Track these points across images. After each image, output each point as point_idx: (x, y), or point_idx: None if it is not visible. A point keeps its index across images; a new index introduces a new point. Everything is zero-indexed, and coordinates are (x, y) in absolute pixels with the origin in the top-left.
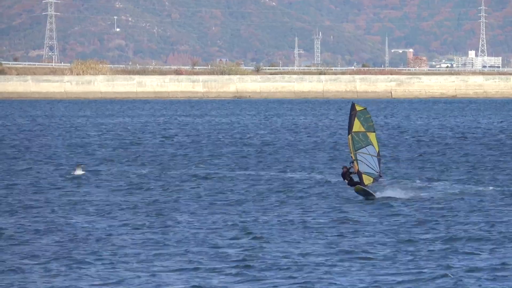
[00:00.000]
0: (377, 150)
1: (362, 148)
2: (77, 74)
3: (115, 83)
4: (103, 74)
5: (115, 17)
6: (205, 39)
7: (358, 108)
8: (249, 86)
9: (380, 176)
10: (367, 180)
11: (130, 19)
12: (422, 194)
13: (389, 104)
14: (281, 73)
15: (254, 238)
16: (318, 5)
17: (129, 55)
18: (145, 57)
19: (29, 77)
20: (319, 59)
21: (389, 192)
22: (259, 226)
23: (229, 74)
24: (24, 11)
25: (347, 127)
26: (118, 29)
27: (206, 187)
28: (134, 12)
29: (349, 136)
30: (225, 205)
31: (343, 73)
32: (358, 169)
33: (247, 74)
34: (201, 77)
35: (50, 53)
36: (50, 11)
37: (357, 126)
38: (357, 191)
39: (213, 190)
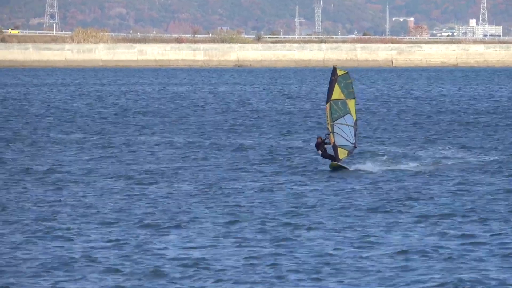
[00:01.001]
0: (355, 119)
1: (340, 118)
2: (78, 43)
3: (116, 52)
4: (104, 42)
5: None
6: (206, 7)
7: (339, 72)
8: (250, 54)
9: (355, 147)
10: (342, 154)
11: None
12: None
13: (393, 72)
14: (282, 42)
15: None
16: None
17: (130, 24)
18: (146, 25)
19: (30, 45)
20: (320, 27)
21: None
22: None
23: (230, 43)
24: None
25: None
26: None
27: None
28: None
29: (327, 105)
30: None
31: (344, 41)
32: (334, 142)
33: (248, 43)
34: (202, 46)
35: (51, 21)
36: None
37: (337, 93)
38: (332, 168)
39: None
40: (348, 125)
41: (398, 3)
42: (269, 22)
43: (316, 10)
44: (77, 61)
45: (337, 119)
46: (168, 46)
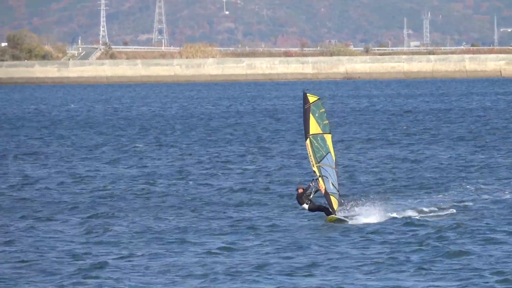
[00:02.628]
0: (335, 159)
1: (323, 158)
2: (186, 58)
3: (224, 66)
4: (213, 57)
5: None
6: (313, 21)
7: (311, 98)
8: (358, 67)
9: (340, 196)
10: (335, 203)
11: (238, 1)
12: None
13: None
14: (390, 54)
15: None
16: None
17: (238, 38)
18: (254, 39)
19: (138, 61)
20: (428, 39)
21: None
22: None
23: (338, 55)
24: None
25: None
26: (227, 12)
27: None
28: None
29: (307, 142)
30: None
31: (452, 52)
32: (325, 189)
33: (356, 55)
34: (310, 59)
35: (159, 37)
36: None
37: (313, 125)
38: (330, 222)
39: None
40: (332, 167)
41: (506, 14)
42: (377, 35)
43: (424, 22)
44: (185, 76)
45: (321, 160)
46: (276, 59)
